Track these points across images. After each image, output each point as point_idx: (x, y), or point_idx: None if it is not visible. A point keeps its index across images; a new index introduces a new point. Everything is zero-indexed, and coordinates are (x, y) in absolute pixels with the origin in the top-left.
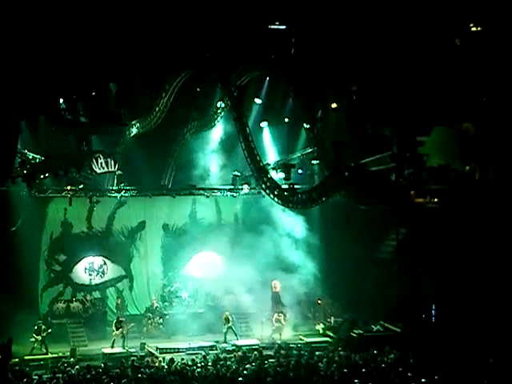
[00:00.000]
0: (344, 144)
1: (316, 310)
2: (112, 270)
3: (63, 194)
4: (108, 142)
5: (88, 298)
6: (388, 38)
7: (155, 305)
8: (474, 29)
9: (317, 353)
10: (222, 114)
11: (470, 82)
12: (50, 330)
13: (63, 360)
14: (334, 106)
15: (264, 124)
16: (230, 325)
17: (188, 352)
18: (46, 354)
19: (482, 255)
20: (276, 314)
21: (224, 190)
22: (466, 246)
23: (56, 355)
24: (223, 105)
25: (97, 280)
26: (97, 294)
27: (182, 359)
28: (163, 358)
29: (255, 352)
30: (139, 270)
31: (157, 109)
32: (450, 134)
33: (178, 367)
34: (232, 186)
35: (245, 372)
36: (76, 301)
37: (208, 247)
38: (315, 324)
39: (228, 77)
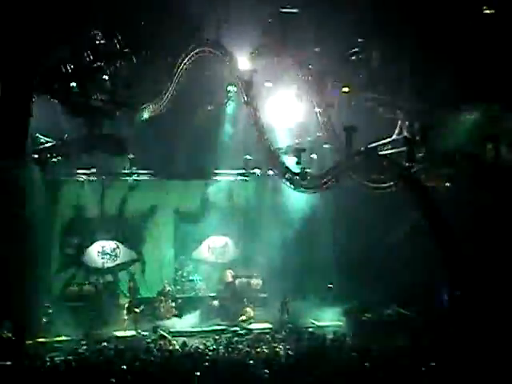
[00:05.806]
0: (355, 128)
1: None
2: (124, 254)
3: (75, 177)
4: (120, 126)
5: (101, 281)
6: (401, 17)
7: (167, 288)
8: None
9: (327, 337)
10: (233, 97)
11: (484, 65)
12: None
13: (76, 343)
14: (345, 89)
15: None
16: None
17: (200, 335)
18: (59, 336)
19: (496, 239)
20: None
21: (236, 173)
22: (479, 229)
23: (69, 338)
24: (234, 88)
25: (109, 263)
26: (109, 278)
27: (194, 343)
28: (176, 342)
29: (267, 336)
30: (151, 254)
31: (167, 92)
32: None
33: (191, 350)
34: (243, 170)
35: (256, 356)
36: (89, 284)
37: (220, 231)
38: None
39: (237, 60)
